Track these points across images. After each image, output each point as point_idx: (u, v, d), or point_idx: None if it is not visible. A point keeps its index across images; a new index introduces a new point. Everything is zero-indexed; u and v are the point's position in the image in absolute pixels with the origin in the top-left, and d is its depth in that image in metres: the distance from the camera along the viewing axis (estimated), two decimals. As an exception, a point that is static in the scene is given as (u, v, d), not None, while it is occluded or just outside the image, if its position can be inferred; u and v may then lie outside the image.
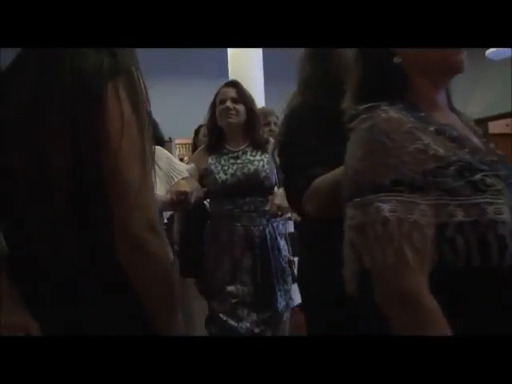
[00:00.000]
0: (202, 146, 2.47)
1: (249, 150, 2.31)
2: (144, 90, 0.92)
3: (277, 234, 2.29)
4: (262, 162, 2.28)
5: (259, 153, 2.31)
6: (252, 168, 2.26)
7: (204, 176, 2.31)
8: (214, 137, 2.37)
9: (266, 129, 2.70)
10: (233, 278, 2.21)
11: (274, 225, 2.30)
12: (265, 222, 2.27)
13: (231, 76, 5.44)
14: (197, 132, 3.42)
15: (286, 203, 2.09)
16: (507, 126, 8.31)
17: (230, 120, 2.28)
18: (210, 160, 2.32)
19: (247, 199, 2.24)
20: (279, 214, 2.26)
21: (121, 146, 0.83)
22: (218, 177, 2.25)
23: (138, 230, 0.84)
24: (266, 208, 2.28)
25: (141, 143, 0.86)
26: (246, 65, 5.04)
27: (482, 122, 7.03)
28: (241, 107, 2.28)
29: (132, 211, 0.84)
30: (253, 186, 2.24)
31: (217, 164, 2.29)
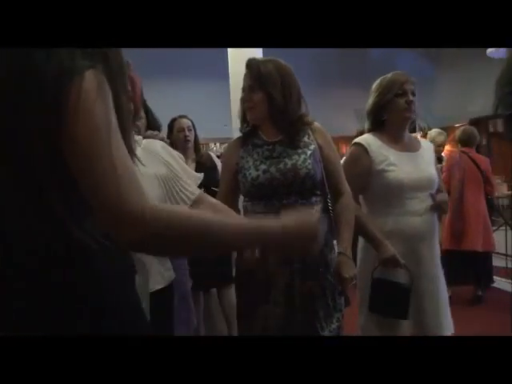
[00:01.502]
0: (237, 137, 2.03)
1: (287, 140, 1.84)
2: (122, 82, 0.88)
3: (322, 244, 1.79)
4: (304, 156, 1.79)
5: (301, 144, 1.83)
6: (289, 163, 1.79)
7: (238, 173, 1.88)
8: (246, 125, 1.91)
9: (402, 100, 2.05)
10: (266, 297, 1.78)
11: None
12: None
13: (232, 77, 5.45)
14: (170, 127, 3.09)
15: (353, 271, 1.74)
16: (507, 124, 8.31)
17: (250, 115, 1.85)
18: (241, 153, 1.88)
19: (284, 201, 1.77)
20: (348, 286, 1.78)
21: (82, 135, 0.78)
22: (247, 173, 1.82)
23: (135, 204, 0.76)
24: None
25: (107, 131, 0.80)
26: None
27: (482, 121, 7.04)
28: (258, 96, 1.79)
29: (119, 187, 0.76)
30: (290, 186, 1.77)
31: (248, 158, 1.86)
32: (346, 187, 1.89)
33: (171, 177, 1.68)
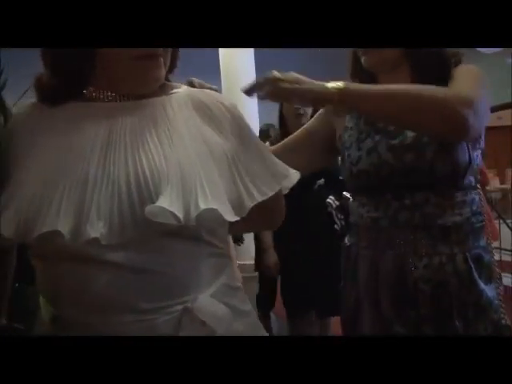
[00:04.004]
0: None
1: None
2: None
3: (475, 275, 1.08)
4: None
5: None
6: (409, 136, 1.09)
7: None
8: (359, 80, 1.22)
9: None
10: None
11: (472, 253, 1.10)
12: (446, 248, 1.09)
13: (223, 74, 5.46)
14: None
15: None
16: (499, 118, 8.38)
17: (367, 60, 1.15)
18: (346, 122, 1.23)
19: (407, 201, 1.09)
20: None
21: None
22: (347, 154, 1.19)
23: None
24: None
25: None
26: (238, 62, 5.05)
27: (475, 115, 7.09)
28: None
29: None
30: (411, 175, 1.09)
31: (353, 130, 1.21)
32: None
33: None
